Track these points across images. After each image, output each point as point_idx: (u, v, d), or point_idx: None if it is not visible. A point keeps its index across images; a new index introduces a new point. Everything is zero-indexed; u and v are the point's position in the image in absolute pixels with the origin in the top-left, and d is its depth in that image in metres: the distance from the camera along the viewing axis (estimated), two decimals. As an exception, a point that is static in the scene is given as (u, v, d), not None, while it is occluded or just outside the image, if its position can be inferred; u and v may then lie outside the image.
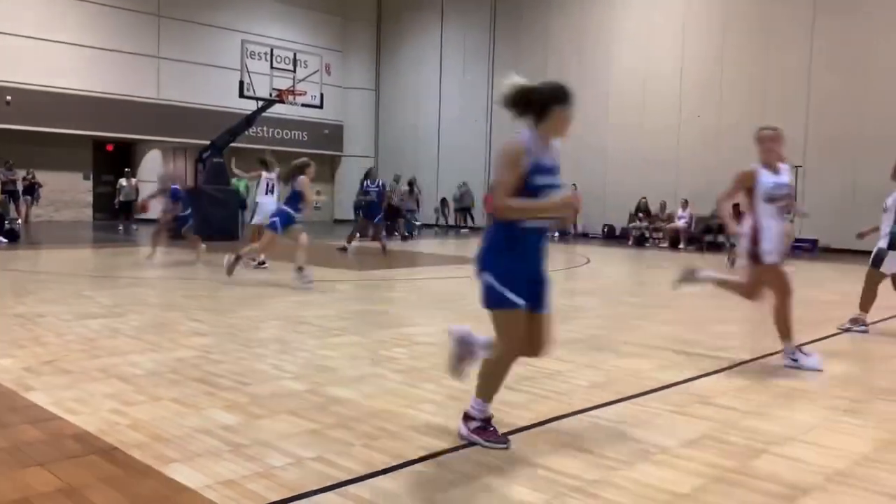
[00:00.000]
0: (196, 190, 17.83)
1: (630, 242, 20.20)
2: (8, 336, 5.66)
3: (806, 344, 6.20)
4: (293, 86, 19.32)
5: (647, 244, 19.87)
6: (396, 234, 20.51)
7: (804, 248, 18.21)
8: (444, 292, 9.43)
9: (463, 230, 24.77)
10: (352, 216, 22.27)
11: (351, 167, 29.90)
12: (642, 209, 20.63)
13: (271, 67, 19.24)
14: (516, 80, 3.38)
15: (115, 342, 5.56)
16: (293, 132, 27.91)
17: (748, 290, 5.41)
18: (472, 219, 25.11)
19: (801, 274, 13.50)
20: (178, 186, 12.69)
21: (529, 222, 3.35)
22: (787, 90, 18.96)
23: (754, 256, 5.24)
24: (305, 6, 28.43)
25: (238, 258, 9.39)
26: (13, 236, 15.24)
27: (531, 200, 3.29)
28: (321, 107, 20.47)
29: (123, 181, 22.63)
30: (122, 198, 22.41)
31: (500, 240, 3.40)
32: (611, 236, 22.11)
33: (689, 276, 5.73)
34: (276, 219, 9.30)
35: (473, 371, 3.65)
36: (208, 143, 18.64)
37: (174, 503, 2.73)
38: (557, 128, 3.44)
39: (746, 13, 19.87)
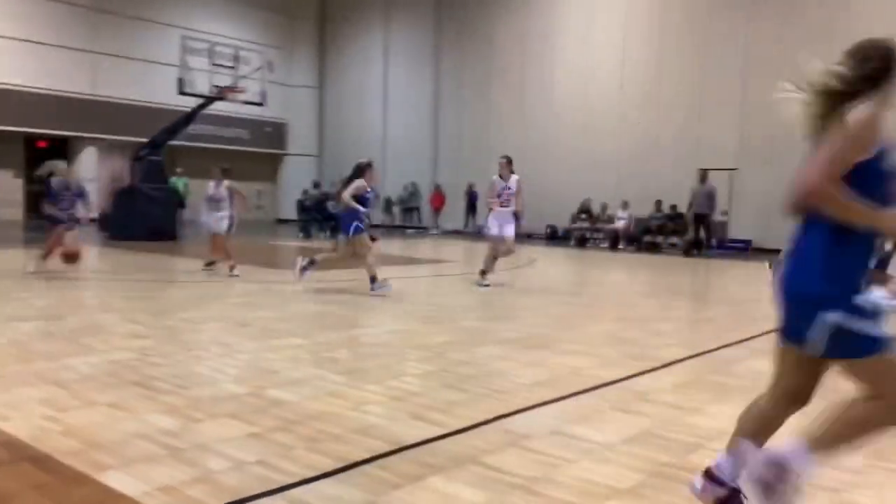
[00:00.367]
0: (133, 189, 17.41)
1: (572, 243, 20.50)
2: (-68, 340, 5.43)
3: (738, 343, 6.41)
4: (234, 83, 18.99)
5: (589, 244, 20.19)
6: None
7: (738, 249, 18.78)
8: (387, 293, 9.39)
9: (409, 231, 24.77)
10: (294, 216, 22.09)
11: (294, 166, 29.60)
12: (585, 210, 20.95)
13: (212, 64, 18.88)
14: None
15: (48, 345, 5.38)
16: (234, 130, 27.45)
17: None
18: (420, 219, 25.13)
19: (734, 273, 13.92)
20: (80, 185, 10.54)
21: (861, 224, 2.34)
22: (723, 95, 19.52)
23: None
24: (247, 3, 28.01)
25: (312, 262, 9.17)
26: (-62, 236, 14.60)
27: (863, 203, 2.30)
28: (263, 104, 20.17)
29: (57, 179, 21.89)
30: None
31: (833, 251, 2.39)
32: (553, 237, 22.38)
33: None
34: (355, 224, 8.99)
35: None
36: (146, 140, 18.18)
37: (110, 511, 2.66)
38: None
39: (683, 19, 20.37)
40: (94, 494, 2.78)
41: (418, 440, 3.46)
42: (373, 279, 8.74)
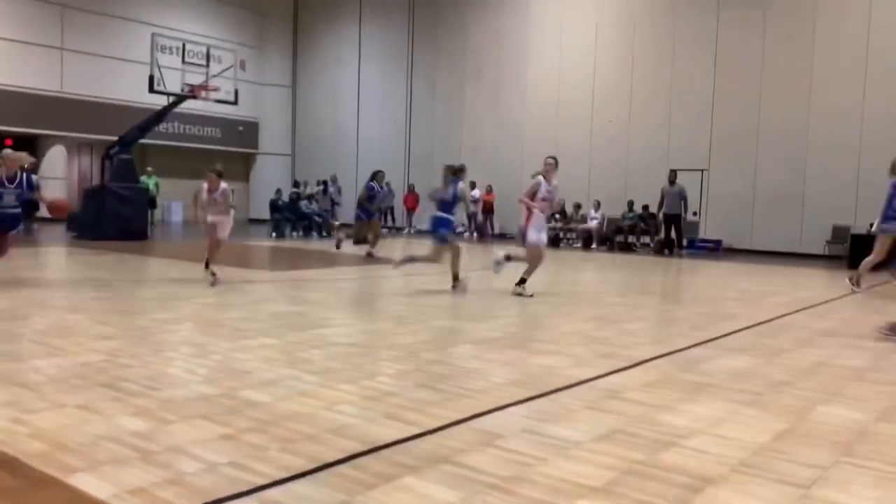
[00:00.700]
0: (102, 188, 17.16)
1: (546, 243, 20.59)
2: None
3: (708, 341, 6.49)
4: (206, 81, 18.80)
5: (562, 244, 20.31)
6: (314, 234, 20.47)
7: (709, 248, 19.01)
8: (361, 293, 9.38)
9: (383, 230, 24.69)
10: (267, 215, 21.93)
11: (267, 165, 29.41)
12: (559, 210, 21.05)
13: (183, 62, 18.67)
14: None
15: (15, 346, 5.29)
16: (206, 129, 27.20)
17: None
18: (393, 219, 25.08)
19: (705, 273, 14.08)
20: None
21: None
22: (694, 95, 19.75)
23: None
24: (220, 0, 27.77)
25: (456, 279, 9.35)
26: None
27: None
28: (236, 103, 19.99)
29: (23, 178, 21.51)
30: (22, 195, 21.30)
31: None
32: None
33: None
34: (444, 231, 9.32)
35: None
36: (116, 138, 17.94)
37: (79, 514, 2.62)
38: None
39: (654, 20, 20.58)
40: (61, 498, 2.74)
41: (392, 440, 3.46)
42: (455, 277, 9.42)
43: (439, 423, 3.75)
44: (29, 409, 3.78)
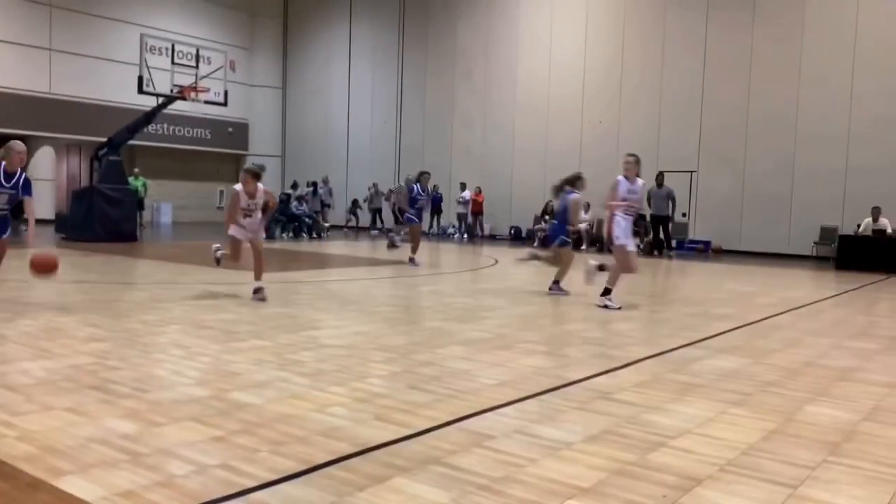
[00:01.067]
0: (91, 189, 17.08)
1: (535, 244, 20.63)
2: None
3: (697, 342, 6.53)
4: (196, 82, 18.75)
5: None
6: (304, 235, 20.47)
7: (698, 250, 19.10)
8: (351, 294, 9.37)
9: (373, 232, 24.69)
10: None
11: (257, 167, 29.32)
12: (548, 212, 21.09)
13: (172, 63, 18.60)
14: None
15: (1, 349, 5.26)
16: (195, 130, 27.11)
17: None
18: (382, 221, 25.05)
19: (694, 274, 14.14)
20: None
21: None
22: (682, 97, 19.84)
23: None
24: (209, 0, 27.69)
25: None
26: None
27: None
28: (225, 104, 19.94)
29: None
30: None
31: None
32: (517, 237, 22.52)
33: None
34: (563, 237, 9.58)
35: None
36: (105, 140, 17.86)
37: (68, 517, 2.61)
38: None
39: (643, 21, 20.66)
40: (50, 501, 2.72)
41: (383, 441, 3.46)
42: (556, 282, 9.56)
43: (430, 425, 3.76)
44: (17, 412, 3.76)
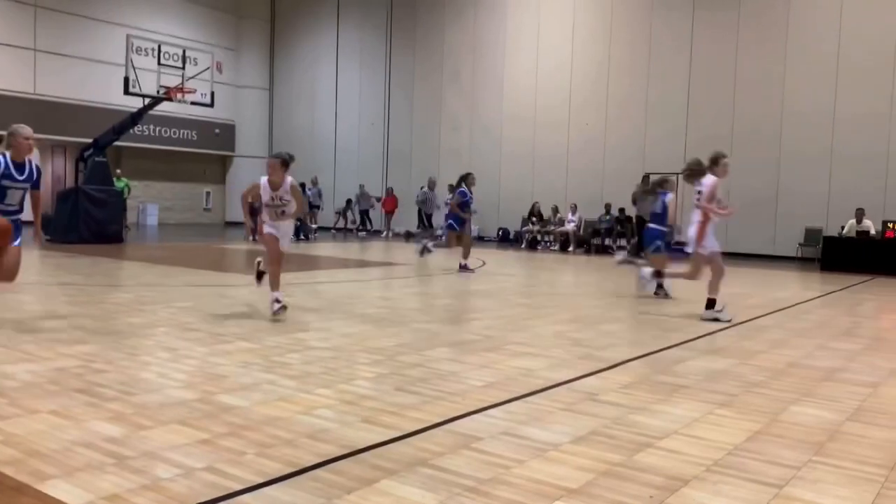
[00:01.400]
0: (76, 190, 16.96)
1: (523, 245, 20.69)
2: None
3: (682, 343, 6.56)
4: (182, 83, 18.66)
5: (539, 247, 20.41)
6: (292, 236, 20.34)
7: (684, 252, 19.16)
8: (339, 296, 9.35)
9: (361, 233, 24.66)
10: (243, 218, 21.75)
11: (243, 168, 29.21)
12: (535, 213, 21.17)
13: (159, 64, 18.51)
14: None
15: (-15, 352, 5.21)
16: (182, 131, 26.98)
17: None
18: (370, 222, 25.02)
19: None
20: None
21: None
22: (669, 99, 19.93)
23: None
24: (195, 1, 27.57)
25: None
26: None
27: None
28: (212, 105, 19.86)
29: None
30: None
31: None
32: (505, 239, 22.56)
33: None
34: (659, 242, 9.73)
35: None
36: (90, 141, 17.74)
37: (53, 521, 2.59)
38: None
39: (630, 23, 20.74)
40: (35, 505, 2.70)
41: (370, 444, 3.46)
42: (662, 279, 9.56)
43: (417, 427, 3.75)
44: (1, 416, 3.73)
